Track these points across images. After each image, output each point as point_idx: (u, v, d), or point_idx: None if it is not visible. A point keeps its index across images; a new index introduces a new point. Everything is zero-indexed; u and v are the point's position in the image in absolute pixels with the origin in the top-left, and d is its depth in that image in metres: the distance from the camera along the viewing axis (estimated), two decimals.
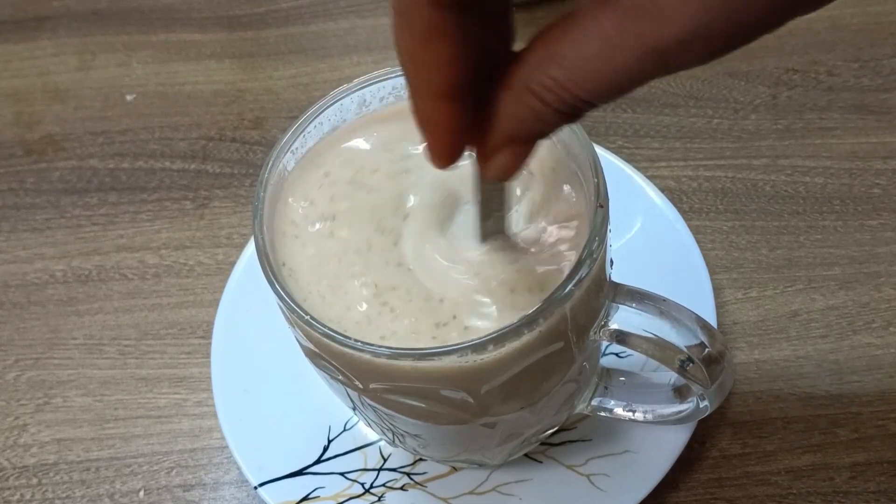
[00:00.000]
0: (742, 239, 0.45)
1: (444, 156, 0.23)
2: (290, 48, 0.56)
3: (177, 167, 0.51)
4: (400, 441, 0.33)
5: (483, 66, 0.21)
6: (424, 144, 0.23)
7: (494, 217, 0.27)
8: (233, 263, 0.43)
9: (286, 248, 0.29)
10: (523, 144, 0.22)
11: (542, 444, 0.37)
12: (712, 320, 0.38)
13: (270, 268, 0.27)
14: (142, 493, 0.40)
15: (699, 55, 0.18)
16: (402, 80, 0.31)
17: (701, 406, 0.32)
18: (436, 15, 0.20)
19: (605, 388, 0.35)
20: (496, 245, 0.28)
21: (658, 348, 0.29)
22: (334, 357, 0.27)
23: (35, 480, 0.41)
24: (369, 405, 0.29)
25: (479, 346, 0.25)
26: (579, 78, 0.19)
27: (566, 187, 0.29)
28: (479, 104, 0.22)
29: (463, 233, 0.28)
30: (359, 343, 0.25)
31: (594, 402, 0.35)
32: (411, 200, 0.29)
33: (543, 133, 0.22)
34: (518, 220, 0.29)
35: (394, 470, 0.38)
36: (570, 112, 0.20)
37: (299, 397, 0.39)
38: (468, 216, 0.29)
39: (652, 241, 0.41)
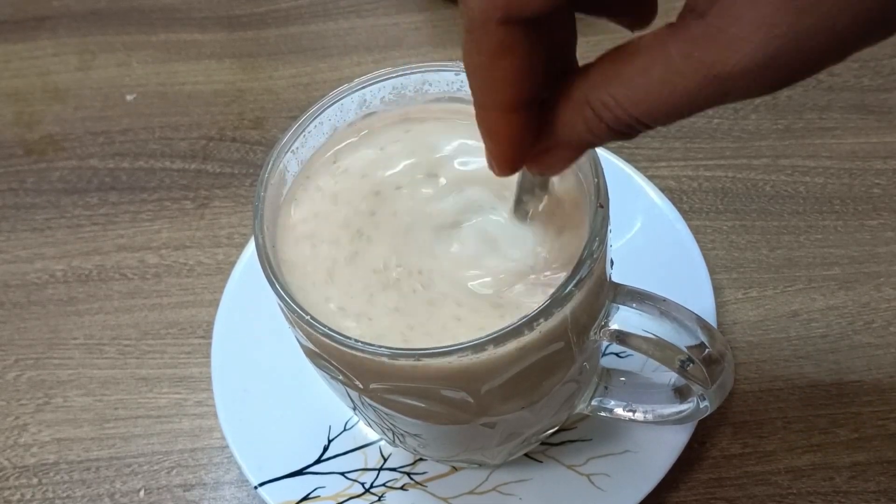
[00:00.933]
0: (742, 239, 0.45)
1: (507, 165, 0.23)
2: (290, 48, 0.56)
3: (177, 167, 0.51)
4: (400, 441, 0.33)
5: (548, 77, 0.21)
6: (486, 153, 0.23)
7: (529, 198, 0.28)
8: (233, 263, 0.43)
9: (287, 247, 0.29)
10: (572, 150, 0.23)
11: (542, 444, 0.37)
12: (712, 320, 0.38)
13: (270, 268, 0.27)
14: (142, 493, 0.40)
15: (762, 86, 0.19)
16: (401, 80, 0.31)
17: (701, 406, 0.32)
18: (505, 32, 0.20)
19: (605, 388, 0.35)
20: (497, 245, 0.28)
21: (658, 348, 0.29)
22: (334, 357, 0.27)
23: (35, 480, 0.41)
24: (369, 405, 0.29)
25: (479, 346, 0.25)
26: (639, 99, 0.20)
27: (566, 187, 0.29)
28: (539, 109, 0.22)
29: (464, 233, 0.28)
30: (359, 343, 0.25)
31: (594, 402, 0.35)
32: (414, 201, 0.29)
33: (594, 144, 0.22)
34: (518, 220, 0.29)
35: (394, 470, 0.37)
36: (624, 131, 0.21)
37: (299, 397, 0.39)
38: (470, 215, 0.29)
39: (652, 241, 0.41)
